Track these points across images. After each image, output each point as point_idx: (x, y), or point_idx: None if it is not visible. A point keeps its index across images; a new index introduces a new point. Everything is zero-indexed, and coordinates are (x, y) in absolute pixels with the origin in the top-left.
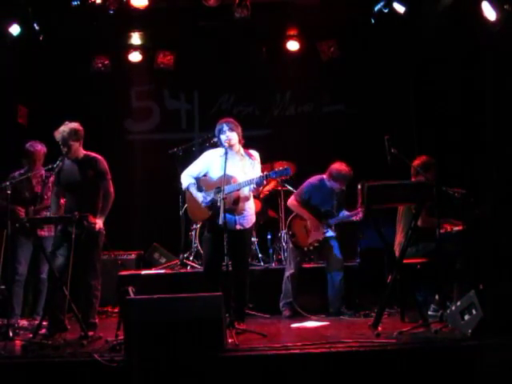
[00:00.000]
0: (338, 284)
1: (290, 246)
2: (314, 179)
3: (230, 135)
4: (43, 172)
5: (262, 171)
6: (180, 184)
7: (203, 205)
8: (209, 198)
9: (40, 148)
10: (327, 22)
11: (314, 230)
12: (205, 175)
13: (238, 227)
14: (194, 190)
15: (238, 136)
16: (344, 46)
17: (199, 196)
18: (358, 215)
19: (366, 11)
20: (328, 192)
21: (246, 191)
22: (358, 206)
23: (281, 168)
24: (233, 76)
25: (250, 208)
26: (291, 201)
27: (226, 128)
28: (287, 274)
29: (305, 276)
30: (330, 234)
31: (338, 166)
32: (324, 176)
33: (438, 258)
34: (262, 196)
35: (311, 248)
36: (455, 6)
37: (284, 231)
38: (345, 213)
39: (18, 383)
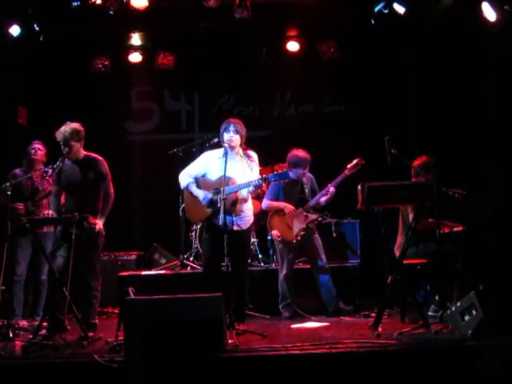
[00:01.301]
0: (327, 285)
1: (279, 246)
2: None
3: (234, 137)
4: (43, 168)
5: (262, 172)
6: (178, 184)
7: (204, 202)
8: (209, 197)
9: (40, 148)
10: (327, 23)
11: (293, 217)
12: (203, 176)
13: (235, 228)
14: (193, 188)
15: (241, 139)
16: (344, 47)
17: (200, 193)
18: (328, 193)
19: (366, 12)
20: (294, 184)
21: (244, 193)
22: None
23: (280, 171)
24: (233, 77)
25: (248, 209)
26: (263, 202)
27: (232, 128)
28: (281, 275)
29: (303, 276)
30: (312, 217)
31: (294, 152)
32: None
33: (438, 259)
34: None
35: (299, 238)
36: (455, 7)
37: (268, 235)
38: (317, 195)
39: (18, 383)
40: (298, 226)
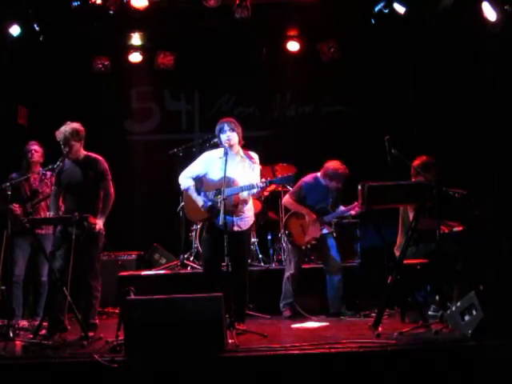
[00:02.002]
0: (336, 285)
1: (289, 246)
2: (308, 178)
3: (231, 135)
4: (41, 170)
5: (262, 173)
6: (178, 186)
7: (202, 209)
8: (209, 203)
9: (37, 148)
10: (327, 23)
11: (311, 225)
12: (204, 176)
13: (235, 229)
14: (193, 194)
15: (239, 136)
16: (344, 47)
17: (199, 200)
18: (354, 209)
19: (366, 12)
20: (323, 190)
21: (245, 194)
22: (354, 201)
23: (284, 175)
24: (233, 77)
25: (249, 210)
26: (286, 199)
27: (226, 128)
28: (287, 274)
29: (305, 276)
30: (326, 231)
31: (334, 165)
32: (318, 174)
33: (438, 259)
34: (263, 198)
35: (309, 246)
36: (455, 7)
37: (281, 232)
38: (341, 208)
39: (18, 383)
40: (311, 234)
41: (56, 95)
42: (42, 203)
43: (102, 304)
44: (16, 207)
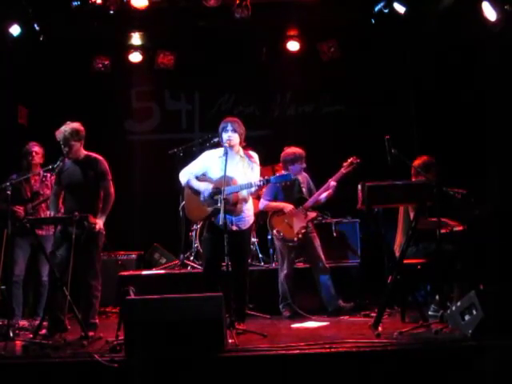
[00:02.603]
0: (327, 284)
1: (280, 245)
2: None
3: (232, 136)
4: (41, 172)
5: (263, 172)
6: (179, 183)
7: (205, 193)
8: (210, 190)
9: (37, 149)
10: (327, 23)
11: (294, 217)
12: (204, 175)
13: (234, 228)
14: (194, 183)
15: (240, 137)
16: (344, 47)
17: (202, 185)
18: (329, 187)
19: (366, 11)
20: (291, 184)
21: (244, 193)
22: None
23: (283, 172)
24: (233, 76)
25: (248, 209)
26: (261, 203)
27: (229, 127)
28: (282, 275)
29: (303, 276)
30: (311, 217)
31: (287, 150)
32: (282, 171)
33: (438, 259)
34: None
35: (300, 236)
36: (455, 7)
37: (268, 234)
38: (316, 193)
39: (18, 383)
40: (298, 225)
41: (56, 95)
42: (43, 204)
43: (102, 304)
44: (19, 209)
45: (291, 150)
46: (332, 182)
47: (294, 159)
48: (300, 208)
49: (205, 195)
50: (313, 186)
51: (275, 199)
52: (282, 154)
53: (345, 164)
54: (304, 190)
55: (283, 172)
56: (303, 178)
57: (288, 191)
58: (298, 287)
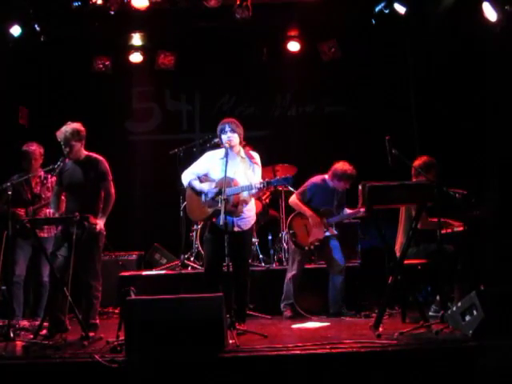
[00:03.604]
0: (338, 286)
1: (292, 246)
2: (317, 179)
3: (232, 136)
4: (42, 173)
5: (263, 173)
6: (181, 184)
7: (209, 195)
8: (214, 190)
9: (36, 148)
10: (328, 23)
11: (315, 227)
12: (205, 175)
13: (235, 229)
14: (196, 184)
15: (240, 137)
16: (345, 47)
17: (204, 186)
18: (359, 212)
19: (366, 12)
20: (330, 192)
21: (245, 194)
22: (359, 205)
23: (283, 176)
24: (234, 77)
25: (249, 210)
26: (293, 199)
27: (227, 128)
28: (289, 275)
29: (306, 277)
30: (329, 233)
31: (343, 166)
32: (326, 176)
33: (438, 259)
34: (265, 201)
35: (312, 247)
36: (456, 7)
37: (285, 232)
38: (346, 211)
39: None
40: (315, 236)
41: (57, 95)
42: (44, 208)
43: (102, 304)
44: (20, 211)
45: (344, 168)
46: (362, 210)
47: (342, 177)
48: (324, 221)
49: (209, 196)
50: (344, 199)
51: (310, 199)
52: (336, 166)
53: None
54: (336, 203)
55: (284, 176)
56: (342, 191)
57: (321, 198)
58: (301, 288)
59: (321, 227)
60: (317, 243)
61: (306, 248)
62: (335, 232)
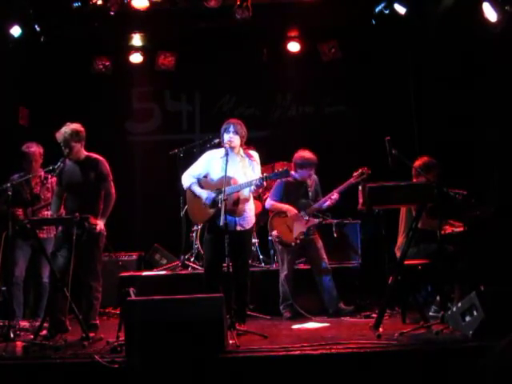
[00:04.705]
0: (328, 286)
1: (279, 247)
2: None
3: (233, 137)
4: (42, 173)
5: (263, 172)
6: (181, 185)
7: (207, 202)
8: (213, 195)
9: (35, 149)
10: (328, 23)
11: (295, 222)
12: (205, 176)
13: (238, 228)
14: (196, 188)
15: (241, 140)
16: (345, 47)
17: (203, 193)
18: (331, 199)
19: (366, 12)
20: (300, 185)
21: (245, 192)
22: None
23: (280, 169)
24: (234, 77)
25: (250, 209)
26: (268, 202)
27: (232, 129)
28: (282, 276)
29: (303, 277)
30: (312, 223)
31: (301, 153)
32: (291, 171)
33: (439, 259)
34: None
35: (298, 241)
36: (456, 7)
37: (268, 235)
38: (320, 200)
39: None
40: (298, 229)
41: (57, 96)
42: (43, 209)
43: (102, 304)
44: (18, 212)
45: (301, 154)
46: (335, 195)
47: (302, 164)
48: (303, 213)
49: (207, 203)
50: (319, 189)
51: (281, 200)
52: (295, 156)
53: (355, 174)
54: (310, 193)
55: (281, 169)
56: (312, 180)
57: (294, 193)
58: (299, 288)
59: (301, 219)
60: (302, 236)
61: (293, 244)
62: (316, 221)
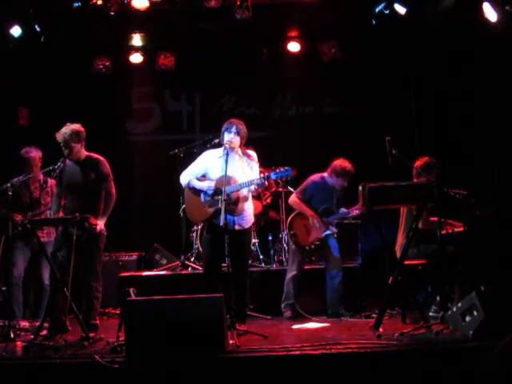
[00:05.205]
0: (336, 285)
1: (292, 246)
2: (315, 177)
3: (234, 138)
4: (41, 177)
5: (263, 172)
6: (180, 184)
7: (209, 192)
8: (214, 187)
9: (35, 154)
10: (328, 24)
11: (315, 227)
12: (204, 176)
13: (236, 228)
14: (196, 183)
15: (241, 141)
16: (345, 47)
17: (204, 184)
18: (354, 211)
19: (366, 12)
20: (329, 190)
21: (245, 192)
22: (359, 206)
23: (281, 169)
24: (234, 77)
25: (249, 208)
26: (293, 198)
27: (233, 129)
28: (289, 275)
29: (306, 277)
30: (329, 232)
31: (341, 163)
32: (325, 174)
33: (439, 260)
34: (266, 201)
35: (312, 247)
36: (456, 7)
37: (285, 232)
38: (343, 209)
39: None
40: (315, 235)
41: (57, 96)
42: (43, 215)
43: (102, 305)
44: (17, 217)
45: (343, 164)
46: (355, 211)
47: (341, 173)
48: (324, 219)
49: (208, 193)
50: (342, 198)
51: (310, 198)
52: (335, 162)
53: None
54: (335, 200)
55: (283, 168)
56: (343, 187)
57: (322, 196)
58: (301, 288)
59: (321, 226)
60: (317, 242)
61: (307, 248)
62: (335, 230)
